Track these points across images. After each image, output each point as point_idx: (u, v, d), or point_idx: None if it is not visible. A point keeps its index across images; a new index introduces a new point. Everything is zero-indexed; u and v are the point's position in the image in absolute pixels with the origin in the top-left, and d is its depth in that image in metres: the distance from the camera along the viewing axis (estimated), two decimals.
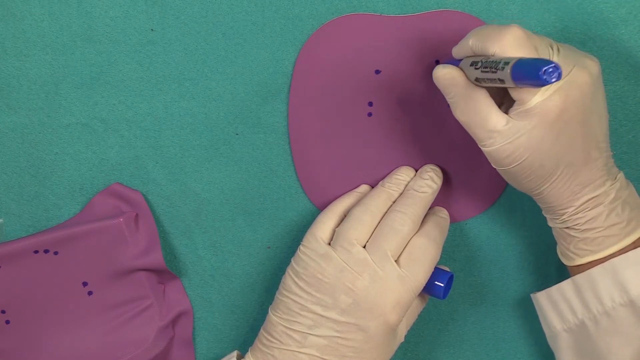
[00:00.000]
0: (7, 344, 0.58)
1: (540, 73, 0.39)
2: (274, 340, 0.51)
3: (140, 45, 0.56)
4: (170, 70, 0.56)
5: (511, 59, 0.42)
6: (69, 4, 0.55)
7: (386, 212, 0.52)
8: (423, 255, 0.50)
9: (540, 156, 0.46)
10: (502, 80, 0.43)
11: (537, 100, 0.44)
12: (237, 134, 0.57)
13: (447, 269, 0.54)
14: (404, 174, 0.55)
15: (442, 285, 0.52)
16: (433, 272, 0.51)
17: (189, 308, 0.60)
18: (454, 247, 0.58)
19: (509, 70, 0.41)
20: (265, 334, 0.52)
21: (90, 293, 0.58)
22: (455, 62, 0.48)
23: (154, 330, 0.58)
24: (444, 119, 0.55)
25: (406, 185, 0.54)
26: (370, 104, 0.55)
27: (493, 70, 0.43)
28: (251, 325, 0.60)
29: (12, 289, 0.57)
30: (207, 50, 0.56)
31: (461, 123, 0.47)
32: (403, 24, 0.54)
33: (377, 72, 0.55)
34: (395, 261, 0.50)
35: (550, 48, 0.45)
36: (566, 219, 0.49)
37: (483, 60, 0.44)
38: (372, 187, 0.56)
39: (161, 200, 0.58)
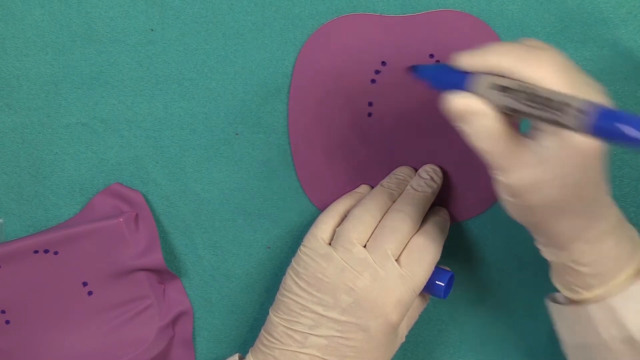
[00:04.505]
0: (7, 344, 0.58)
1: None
2: (275, 341, 0.51)
3: (140, 45, 0.56)
4: (170, 70, 0.56)
5: (582, 102, 0.35)
6: (69, 4, 0.55)
7: (386, 212, 0.52)
8: (423, 255, 0.50)
9: (563, 191, 0.41)
10: (558, 123, 0.35)
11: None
12: (237, 134, 0.57)
13: (447, 268, 0.54)
14: (404, 174, 0.55)
15: (442, 284, 0.52)
16: (434, 272, 0.51)
17: (189, 308, 0.60)
18: (454, 247, 0.58)
19: (589, 121, 0.33)
20: (266, 335, 0.52)
21: (90, 293, 0.58)
22: (459, 75, 0.41)
23: (154, 330, 0.58)
24: (444, 119, 0.55)
25: (406, 185, 0.54)
26: (370, 104, 0.55)
27: (550, 111, 0.35)
28: (251, 325, 0.60)
29: (12, 289, 0.57)
30: (207, 50, 0.56)
31: (478, 150, 0.42)
32: (403, 24, 0.54)
33: (377, 72, 0.55)
34: (396, 260, 0.50)
35: (587, 82, 0.39)
36: (573, 252, 0.45)
37: (528, 91, 0.37)
38: (372, 187, 0.56)
39: (161, 200, 0.58)
